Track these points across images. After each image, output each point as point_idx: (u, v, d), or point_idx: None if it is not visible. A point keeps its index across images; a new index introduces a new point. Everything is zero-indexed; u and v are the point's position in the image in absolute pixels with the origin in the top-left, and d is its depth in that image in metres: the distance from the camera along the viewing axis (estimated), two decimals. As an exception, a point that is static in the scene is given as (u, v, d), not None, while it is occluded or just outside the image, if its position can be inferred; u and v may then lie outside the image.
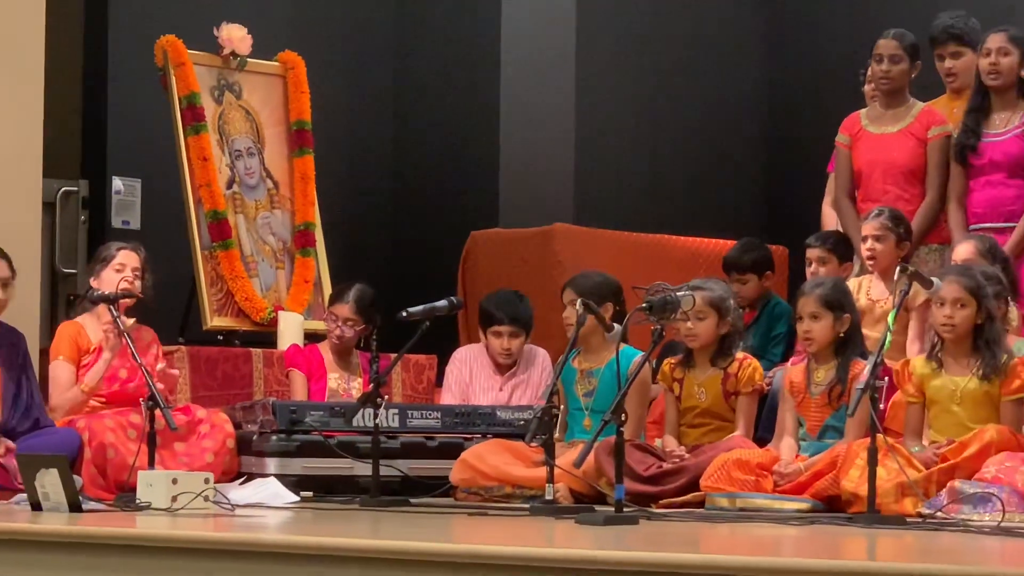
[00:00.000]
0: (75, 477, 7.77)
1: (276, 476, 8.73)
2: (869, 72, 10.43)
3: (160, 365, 9.21)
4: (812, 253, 9.72)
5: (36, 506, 7.54)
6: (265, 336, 10.74)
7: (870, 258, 9.42)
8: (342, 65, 12.55)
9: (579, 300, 8.74)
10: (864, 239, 9.47)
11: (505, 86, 12.72)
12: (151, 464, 8.09)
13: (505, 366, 9.89)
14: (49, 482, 7.50)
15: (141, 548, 6.37)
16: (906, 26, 10.37)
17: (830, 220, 10.44)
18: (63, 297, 11.11)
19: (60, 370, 9.09)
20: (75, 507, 7.44)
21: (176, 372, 9.44)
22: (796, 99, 13.91)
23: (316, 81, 11.58)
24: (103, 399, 9.04)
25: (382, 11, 13.07)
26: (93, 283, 9.18)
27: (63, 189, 11.37)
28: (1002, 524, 7.03)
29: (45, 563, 6.54)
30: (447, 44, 12.95)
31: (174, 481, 7.56)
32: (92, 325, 9.22)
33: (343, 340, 9.88)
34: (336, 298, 9.99)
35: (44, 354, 9.26)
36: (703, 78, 14.11)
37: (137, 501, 7.59)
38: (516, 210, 12.53)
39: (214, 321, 10.76)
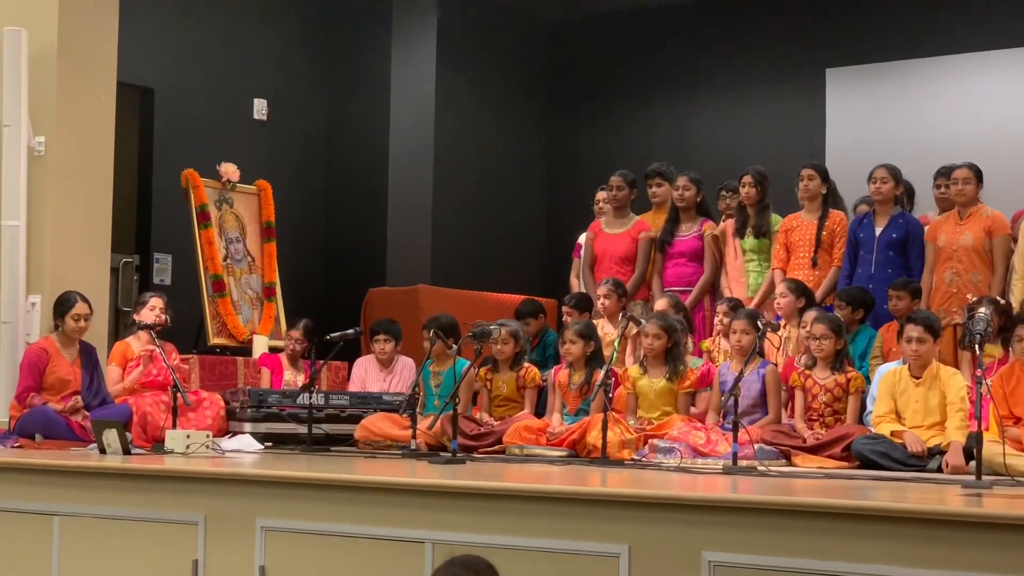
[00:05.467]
0: (127, 433, 7.73)
1: (250, 434, 8.69)
2: (604, 195, 10.41)
3: (175, 362, 9.13)
4: (564, 308, 9.71)
5: (102, 451, 7.54)
6: (245, 350, 10.64)
7: (603, 307, 9.49)
8: (293, 186, 12.51)
9: (432, 330, 8.88)
10: (599, 297, 9.54)
11: (391, 198, 12.82)
12: (174, 425, 8.04)
13: (385, 363, 9.69)
14: (111, 436, 7.53)
15: (168, 477, 6.39)
16: (630, 168, 10.47)
17: (575, 286, 10.40)
18: (121, 325, 10.96)
19: (110, 372, 9.01)
20: (127, 452, 7.47)
21: (184, 367, 9.43)
22: (563, 209, 14.01)
23: (278, 195, 11.51)
24: (144, 386, 8.96)
25: (316, 152, 13.07)
26: (136, 317, 9.09)
27: (123, 260, 11.24)
28: (680, 466, 7.16)
29: (108, 486, 6.53)
30: (356, 171, 12.97)
31: (188, 436, 7.58)
32: (135, 343, 9.14)
33: (294, 352, 9.80)
34: (291, 326, 9.92)
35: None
36: (510, 193, 14.24)
37: (165, 448, 7.60)
38: (396, 275, 12.56)
39: (214, 340, 10.66)
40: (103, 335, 9.26)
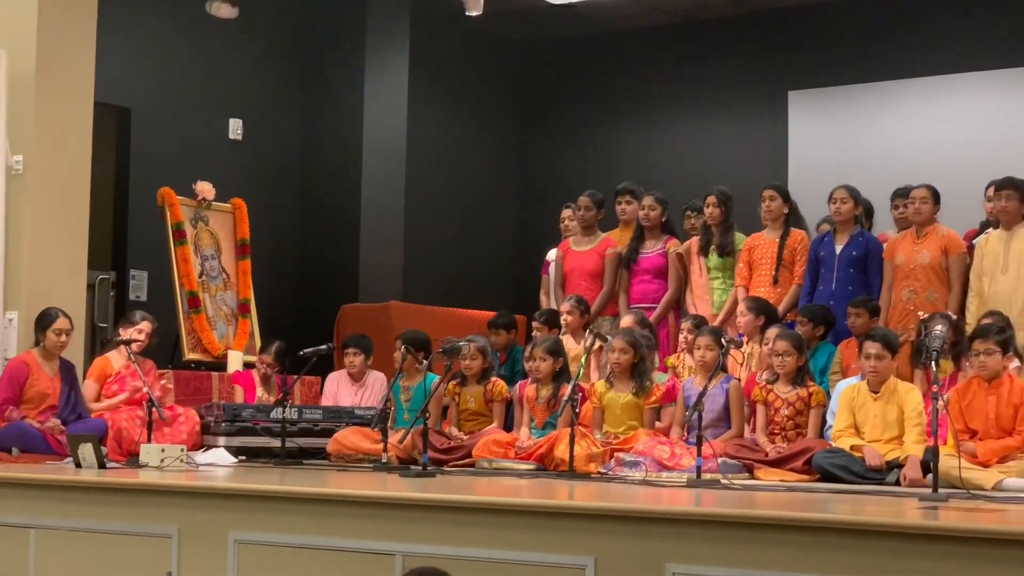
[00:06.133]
0: (102, 448, 7.70)
1: (224, 447, 8.66)
2: (571, 213, 10.45)
3: (163, 381, 9.21)
4: (534, 324, 9.70)
5: (78, 465, 7.49)
6: (220, 365, 10.56)
7: (566, 324, 9.47)
8: (268, 205, 12.46)
9: (402, 346, 8.87)
10: (562, 313, 9.54)
11: (364, 216, 12.77)
12: (149, 440, 8.00)
13: (357, 378, 9.64)
14: (86, 450, 7.48)
15: (142, 491, 6.37)
16: (598, 187, 10.49)
17: (544, 303, 10.41)
18: (98, 341, 10.89)
19: (87, 386, 9.00)
20: (102, 466, 7.42)
21: (171, 387, 9.44)
22: (533, 227, 14.05)
23: (253, 214, 11.46)
24: (126, 403, 8.94)
25: (290, 171, 13.04)
26: (122, 332, 9.12)
27: (99, 276, 11.15)
28: (645, 479, 7.17)
29: (83, 499, 6.51)
30: (330, 190, 12.95)
31: (163, 450, 7.52)
32: (115, 357, 9.12)
33: (265, 375, 9.76)
34: (263, 350, 9.90)
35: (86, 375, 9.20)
36: (480, 212, 14.32)
37: (140, 462, 7.55)
38: (369, 292, 12.55)
39: (189, 355, 10.58)
40: (80, 350, 9.23)
